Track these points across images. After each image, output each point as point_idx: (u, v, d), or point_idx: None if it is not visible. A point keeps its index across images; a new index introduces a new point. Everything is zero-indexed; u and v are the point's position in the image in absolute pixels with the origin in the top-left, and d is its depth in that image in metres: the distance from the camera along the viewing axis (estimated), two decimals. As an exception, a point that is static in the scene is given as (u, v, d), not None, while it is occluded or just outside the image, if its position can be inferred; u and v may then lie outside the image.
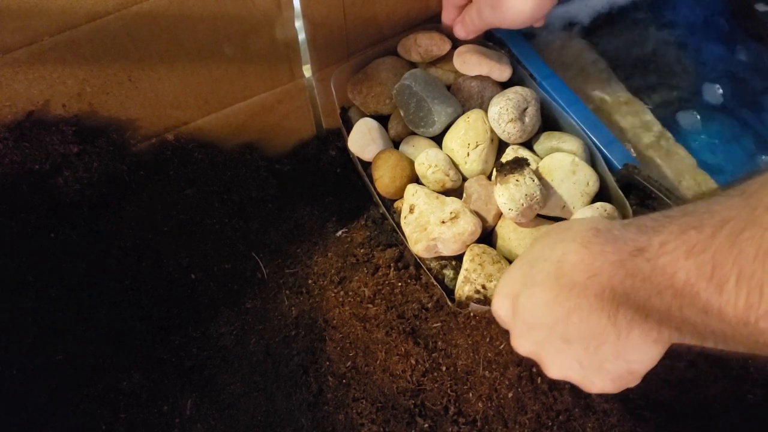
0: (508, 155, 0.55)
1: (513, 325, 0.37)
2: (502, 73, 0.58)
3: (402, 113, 0.58)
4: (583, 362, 0.33)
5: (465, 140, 0.55)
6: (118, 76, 0.52)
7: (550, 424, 0.52)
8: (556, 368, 0.35)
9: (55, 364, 0.55)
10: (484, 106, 0.58)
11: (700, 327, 0.26)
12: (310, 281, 0.60)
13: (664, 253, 0.27)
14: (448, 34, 0.61)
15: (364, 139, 0.59)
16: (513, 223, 0.53)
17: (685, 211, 0.27)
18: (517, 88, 0.56)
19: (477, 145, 0.55)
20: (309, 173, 0.69)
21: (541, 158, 0.55)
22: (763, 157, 0.65)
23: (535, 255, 0.35)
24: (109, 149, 0.56)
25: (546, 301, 0.33)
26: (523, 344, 0.37)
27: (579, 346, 0.33)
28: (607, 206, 0.52)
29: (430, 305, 0.57)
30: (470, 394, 0.53)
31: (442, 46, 0.60)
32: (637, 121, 0.65)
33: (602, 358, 0.32)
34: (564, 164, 0.53)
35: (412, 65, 0.62)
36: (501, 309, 0.38)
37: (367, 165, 0.59)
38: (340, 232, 0.63)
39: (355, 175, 0.67)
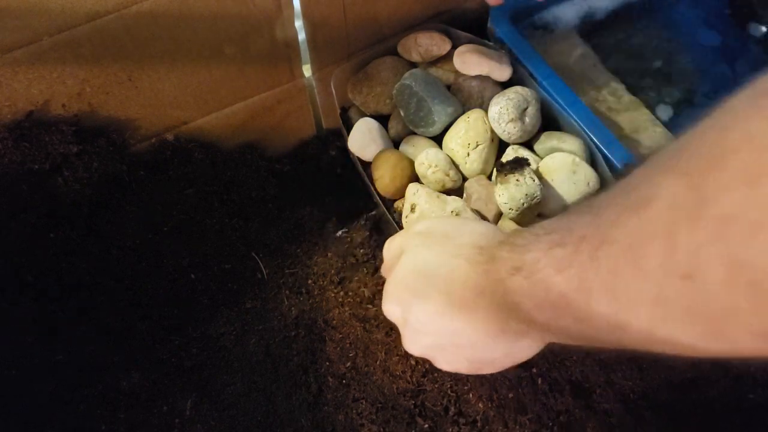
0: (509, 155, 0.55)
1: (404, 330, 0.39)
2: (502, 73, 0.58)
3: (402, 113, 0.58)
4: (472, 359, 0.37)
5: (465, 140, 0.55)
6: (118, 76, 0.52)
7: (550, 424, 0.52)
8: (445, 365, 0.39)
9: (55, 364, 0.55)
10: (484, 106, 0.58)
11: (575, 333, 0.29)
12: (310, 281, 0.60)
13: (538, 270, 0.29)
14: (449, 33, 0.61)
15: (364, 139, 0.59)
16: (513, 223, 0.53)
17: (548, 229, 0.30)
18: (517, 88, 0.56)
19: (477, 145, 0.55)
20: (309, 173, 0.69)
21: (542, 158, 0.55)
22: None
23: (423, 266, 0.37)
24: (109, 149, 0.56)
25: (438, 316, 0.36)
26: (413, 348, 0.39)
27: (469, 351, 0.36)
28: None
29: (430, 305, 0.57)
30: (470, 395, 0.53)
31: (442, 46, 0.60)
32: (637, 121, 0.65)
33: (492, 357, 0.36)
34: (564, 164, 0.53)
35: (413, 65, 0.62)
36: (392, 315, 0.40)
37: (367, 165, 0.59)
38: (340, 232, 0.63)
39: (355, 175, 0.67)
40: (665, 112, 0.68)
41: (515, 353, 0.35)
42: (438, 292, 0.35)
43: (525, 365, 0.54)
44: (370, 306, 0.57)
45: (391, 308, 0.39)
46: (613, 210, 0.26)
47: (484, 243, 0.35)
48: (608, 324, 0.26)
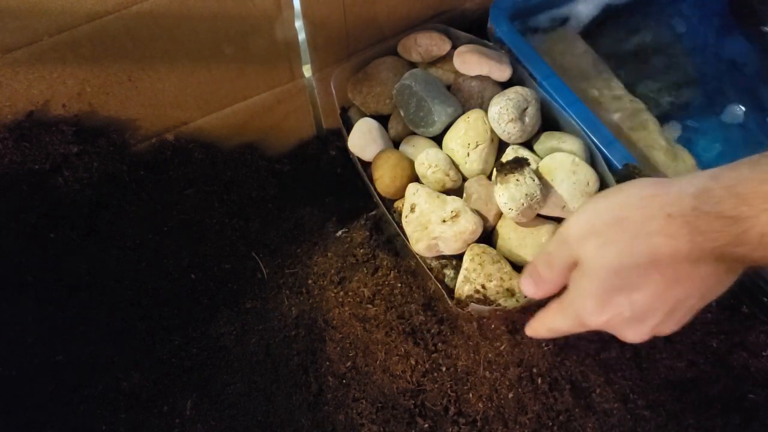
0: (509, 155, 0.55)
1: (623, 328, 0.38)
2: (502, 73, 0.58)
3: (402, 113, 0.58)
4: (701, 306, 0.37)
5: (465, 140, 0.55)
6: (118, 76, 0.52)
7: (550, 424, 0.52)
8: (673, 328, 0.38)
9: (55, 364, 0.55)
10: (484, 106, 0.58)
11: None
12: (310, 281, 0.60)
13: None
14: (448, 33, 0.61)
15: (364, 139, 0.59)
16: (513, 223, 0.53)
17: (763, 198, 0.30)
18: (517, 88, 0.56)
19: (477, 145, 0.55)
20: (309, 173, 0.69)
21: (541, 158, 0.55)
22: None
23: (619, 261, 0.35)
24: (109, 149, 0.56)
25: (663, 293, 0.35)
26: (642, 336, 0.38)
27: (700, 302, 0.36)
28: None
29: (430, 305, 0.57)
30: (470, 395, 0.53)
31: (442, 46, 0.60)
32: (637, 121, 0.65)
33: (720, 293, 0.36)
34: (564, 164, 0.53)
35: (413, 65, 0.62)
36: (604, 324, 0.38)
37: (367, 165, 0.59)
38: (340, 232, 0.63)
39: (355, 175, 0.67)
40: (666, 109, 0.68)
41: (734, 278, 0.36)
42: (651, 277, 0.35)
43: (525, 365, 0.54)
44: (370, 306, 0.57)
45: (598, 319, 0.38)
46: None
47: (669, 210, 0.33)
48: None
